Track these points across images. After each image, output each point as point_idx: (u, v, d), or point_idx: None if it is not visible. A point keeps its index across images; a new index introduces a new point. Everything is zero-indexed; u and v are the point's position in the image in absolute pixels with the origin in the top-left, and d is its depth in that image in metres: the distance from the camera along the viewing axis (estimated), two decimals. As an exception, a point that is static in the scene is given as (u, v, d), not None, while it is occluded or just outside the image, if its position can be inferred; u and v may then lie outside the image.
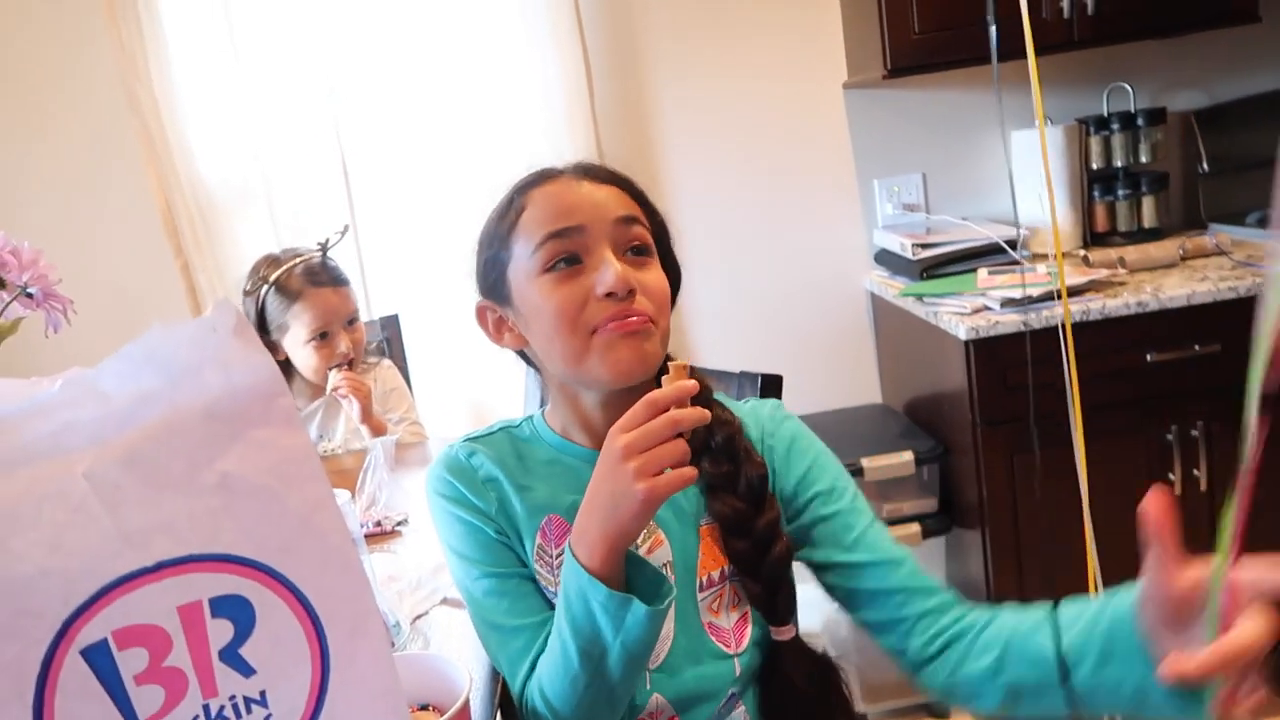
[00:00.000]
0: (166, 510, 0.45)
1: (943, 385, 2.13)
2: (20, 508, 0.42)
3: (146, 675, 0.45)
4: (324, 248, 1.81)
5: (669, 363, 0.82)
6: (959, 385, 1.99)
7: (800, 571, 0.97)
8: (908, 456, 2.09)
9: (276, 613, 0.47)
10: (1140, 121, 2.33)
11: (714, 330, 2.50)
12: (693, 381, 0.80)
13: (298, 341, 1.80)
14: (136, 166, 2.28)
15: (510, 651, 0.92)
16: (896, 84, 2.36)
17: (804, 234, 2.50)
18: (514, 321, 0.98)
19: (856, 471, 2.09)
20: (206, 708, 0.46)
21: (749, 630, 0.97)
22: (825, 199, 2.50)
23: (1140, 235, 2.35)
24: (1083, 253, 2.24)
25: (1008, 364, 1.92)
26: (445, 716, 0.70)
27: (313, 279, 1.79)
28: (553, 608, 0.90)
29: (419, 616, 1.16)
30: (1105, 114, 2.39)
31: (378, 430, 1.82)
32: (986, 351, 1.92)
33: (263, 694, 0.47)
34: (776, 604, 0.95)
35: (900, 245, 2.32)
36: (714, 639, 0.96)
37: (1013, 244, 2.19)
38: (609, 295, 0.89)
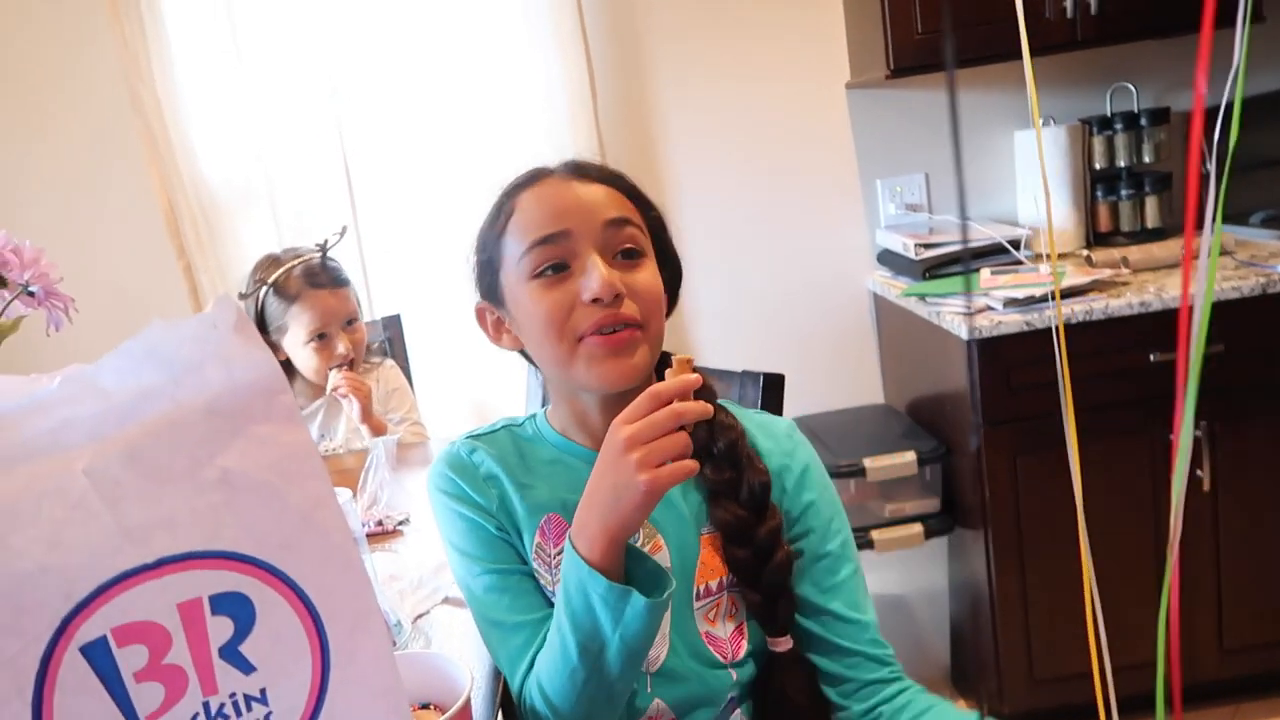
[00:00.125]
0: (167, 507, 0.45)
1: (945, 385, 2.13)
2: (20, 504, 0.42)
3: (146, 672, 0.45)
4: (323, 249, 1.81)
5: (672, 357, 0.82)
6: (961, 385, 1.99)
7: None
8: (910, 457, 2.09)
9: (277, 610, 0.47)
10: (1144, 121, 2.33)
11: (716, 330, 2.49)
12: (696, 375, 0.80)
13: (297, 342, 1.80)
14: (139, 166, 2.28)
15: (510, 648, 0.92)
16: (899, 84, 2.36)
17: (806, 234, 2.50)
18: (510, 323, 0.98)
19: (859, 472, 2.08)
20: (206, 705, 0.46)
21: (745, 641, 0.97)
22: (828, 199, 2.49)
23: (1143, 235, 2.35)
24: (1086, 252, 2.24)
25: (1010, 364, 1.91)
26: (446, 715, 0.70)
27: (311, 280, 1.79)
28: (553, 606, 0.90)
29: (420, 616, 1.16)
30: (1109, 114, 2.39)
31: (377, 430, 1.81)
32: (989, 352, 1.92)
33: (263, 691, 0.47)
34: (776, 613, 0.95)
35: (903, 245, 2.32)
36: (711, 648, 0.95)
37: (1016, 244, 2.18)
38: (595, 301, 0.88)
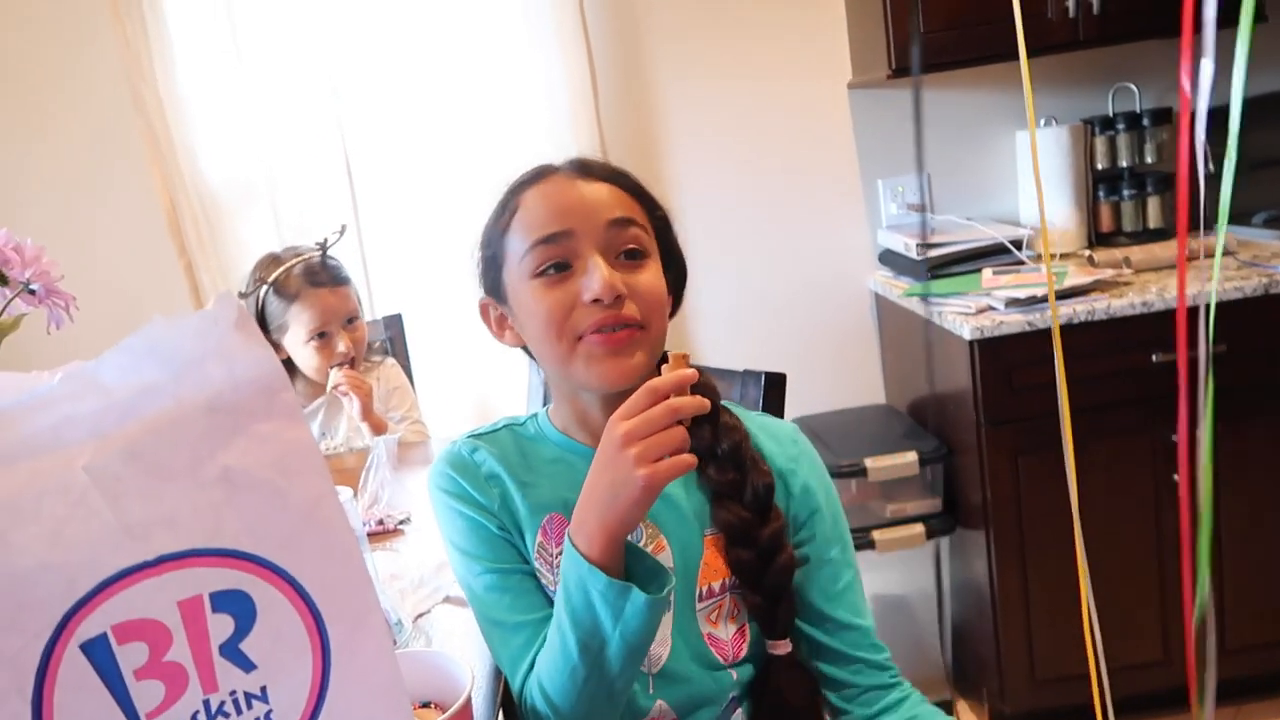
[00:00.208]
0: (168, 504, 0.45)
1: (947, 385, 2.13)
2: (20, 501, 0.42)
3: (146, 670, 0.44)
4: (323, 247, 1.81)
5: (668, 353, 0.83)
6: (963, 385, 1.99)
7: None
8: (911, 457, 2.09)
9: (277, 607, 0.47)
10: (1145, 122, 2.33)
11: (717, 330, 2.49)
12: (692, 370, 0.80)
13: (297, 341, 1.80)
14: (140, 165, 2.28)
15: (511, 648, 0.92)
16: (901, 84, 2.36)
17: (808, 234, 2.50)
18: (512, 320, 0.98)
19: (860, 472, 2.08)
20: (207, 703, 0.46)
21: (746, 643, 0.97)
22: (829, 199, 2.49)
23: (1145, 235, 2.35)
24: (1088, 253, 2.23)
25: (1012, 364, 1.91)
26: (447, 714, 0.70)
27: (311, 279, 1.79)
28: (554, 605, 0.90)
29: (421, 615, 1.15)
30: (1110, 114, 2.38)
31: (378, 428, 1.81)
32: (991, 352, 1.91)
33: (263, 689, 0.47)
34: (777, 615, 0.95)
35: (904, 245, 2.31)
36: (713, 649, 0.95)
37: (1018, 244, 2.18)
38: (595, 301, 0.89)
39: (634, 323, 0.90)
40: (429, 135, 2.35)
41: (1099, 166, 2.38)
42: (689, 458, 0.79)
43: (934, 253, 2.23)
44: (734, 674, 0.96)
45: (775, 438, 1.02)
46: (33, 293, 0.93)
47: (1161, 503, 1.96)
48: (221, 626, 0.46)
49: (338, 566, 0.49)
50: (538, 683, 0.88)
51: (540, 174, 0.96)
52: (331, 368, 1.80)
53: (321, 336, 1.79)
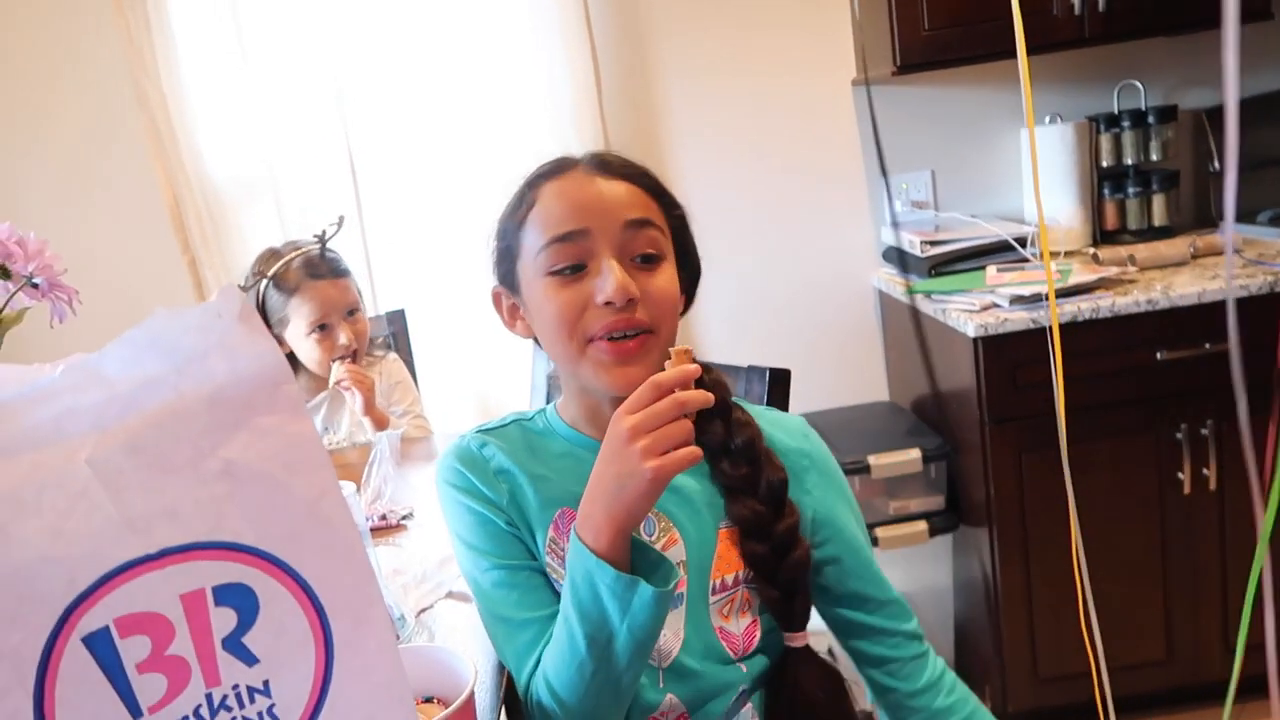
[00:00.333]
0: (170, 497, 0.44)
1: (951, 383, 2.12)
2: (22, 493, 0.42)
3: (148, 664, 0.44)
4: (321, 240, 1.81)
5: (670, 349, 0.83)
6: (967, 383, 1.99)
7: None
8: (915, 454, 2.09)
9: (280, 601, 0.47)
10: (1151, 119, 2.32)
11: (721, 327, 2.49)
12: (695, 366, 0.81)
13: (299, 334, 1.80)
14: (143, 161, 2.28)
15: (517, 645, 0.92)
16: (906, 80, 2.35)
17: (812, 231, 2.49)
18: (524, 311, 0.98)
19: (864, 469, 2.08)
20: (209, 697, 0.46)
21: (758, 636, 0.97)
22: (833, 196, 2.49)
23: (1151, 233, 2.34)
24: (1092, 250, 2.23)
25: (1016, 362, 1.91)
26: (450, 709, 0.70)
27: (310, 271, 1.78)
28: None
29: (424, 610, 1.15)
30: (1116, 111, 2.38)
31: (380, 423, 1.81)
32: (995, 349, 1.91)
33: (266, 683, 0.47)
34: (793, 609, 0.95)
35: (909, 243, 2.31)
36: (724, 643, 0.96)
37: (1022, 241, 2.18)
38: (608, 304, 0.89)
39: (644, 328, 0.90)
40: (433, 131, 2.35)
41: (1104, 164, 2.37)
42: (695, 450, 0.79)
43: (937, 250, 2.22)
44: (743, 668, 0.96)
45: (787, 431, 1.02)
46: (36, 287, 0.93)
47: (1165, 501, 1.96)
48: (224, 620, 0.46)
49: (340, 561, 0.48)
50: (544, 678, 0.88)
51: (559, 168, 0.96)
52: (333, 361, 1.80)
53: (323, 329, 1.79)
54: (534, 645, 0.91)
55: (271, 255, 1.83)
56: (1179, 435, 1.93)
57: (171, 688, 0.45)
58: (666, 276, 0.94)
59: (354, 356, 1.82)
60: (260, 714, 0.47)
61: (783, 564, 0.94)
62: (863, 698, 1.05)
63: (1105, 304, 1.88)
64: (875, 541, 2.10)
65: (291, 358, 1.83)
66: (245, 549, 0.46)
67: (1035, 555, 1.98)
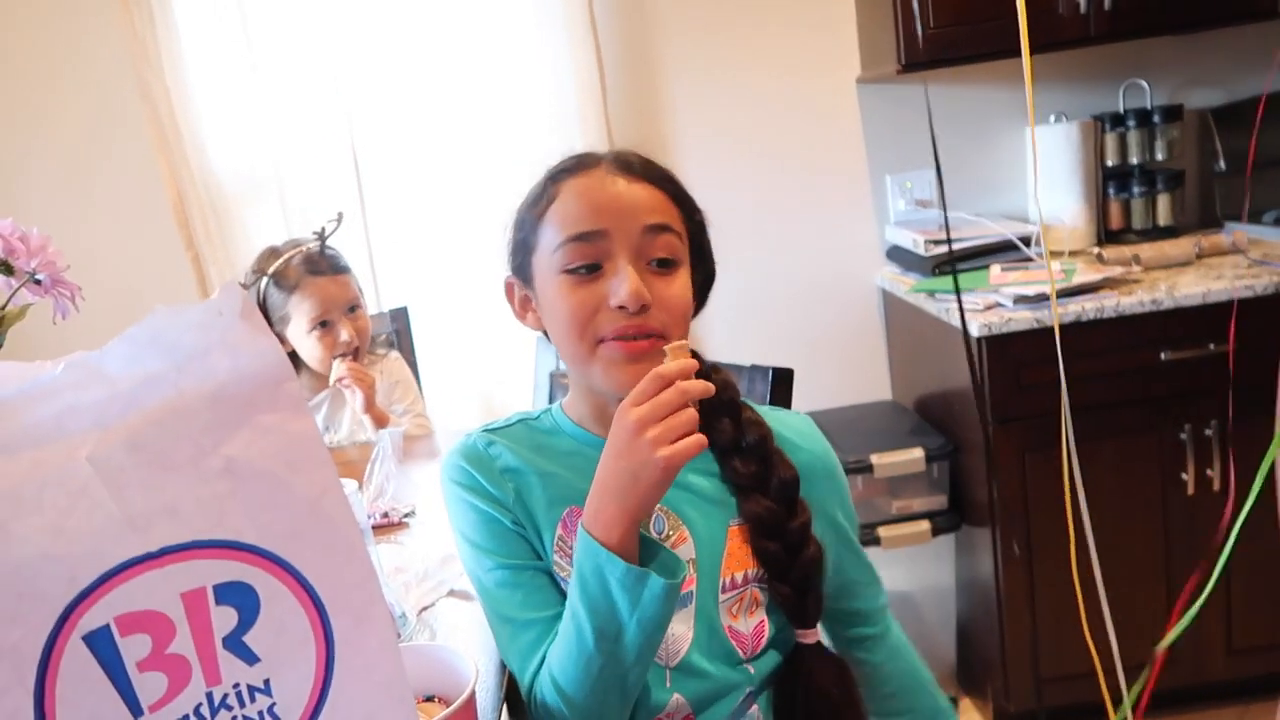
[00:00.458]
0: (171, 495, 0.44)
1: (954, 382, 2.12)
2: (23, 491, 0.42)
3: (149, 662, 0.44)
4: (321, 236, 1.81)
5: (666, 345, 0.84)
6: (970, 382, 1.98)
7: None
8: (918, 453, 2.08)
9: (281, 600, 0.46)
10: (1156, 118, 2.31)
11: (725, 326, 2.49)
12: (693, 360, 0.82)
13: (300, 332, 1.80)
14: (147, 156, 2.28)
15: (521, 645, 0.92)
16: (910, 79, 2.35)
17: (815, 229, 2.49)
18: (536, 304, 0.98)
19: (866, 468, 2.08)
20: (210, 695, 0.46)
21: (765, 637, 0.97)
22: (837, 195, 2.48)
23: (1155, 233, 2.33)
24: (1097, 250, 2.22)
25: (1020, 361, 1.90)
26: (451, 708, 0.70)
27: (311, 268, 1.78)
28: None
29: (425, 608, 1.15)
30: (1121, 110, 2.37)
31: (380, 421, 1.81)
32: (998, 348, 1.91)
33: (266, 682, 0.47)
34: (806, 606, 0.96)
35: (912, 241, 2.30)
36: (733, 642, 0.96)
37: (1026, 241, 2.17)
38: (620, 308, 0.89)
39: (655, 333, 0.90)
40: (436, 129, 2.35)
41: (1109, 163, 2.36)
42: (701, 437, 0.80)
43: (941, 249, 2.22)
44: (751, 669, 0.96)
45: (795, 429, 1.03)
46: (38, 283, 0.93)
47: (1169, 501, 1.96)
48: (225, 619, 0.46)
49: (342, 559, 0.48)
50: (549, 675, 0.88)
51: (582, 164, 0.95)
52: (335, 358, 1.80)
53: (324, 325, 1.79)
54: (538, 645, 0.91)
55: (271, 253, 1.83)
56: (1183, 436, 1.93)
57: (172, 686, 0.45)
58: (681, 283, 0.94)
59: (355, 354, 1.82)
60: (261, 713, 0.47)
61: (796, 561, 0.94)
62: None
63: (1110, 304, 1.88)
64: (878, 541, 2.10)
65: (293, 356, 1.82)
66: (246, 547, 0.46)
67: (1038, 555, 1.98)
